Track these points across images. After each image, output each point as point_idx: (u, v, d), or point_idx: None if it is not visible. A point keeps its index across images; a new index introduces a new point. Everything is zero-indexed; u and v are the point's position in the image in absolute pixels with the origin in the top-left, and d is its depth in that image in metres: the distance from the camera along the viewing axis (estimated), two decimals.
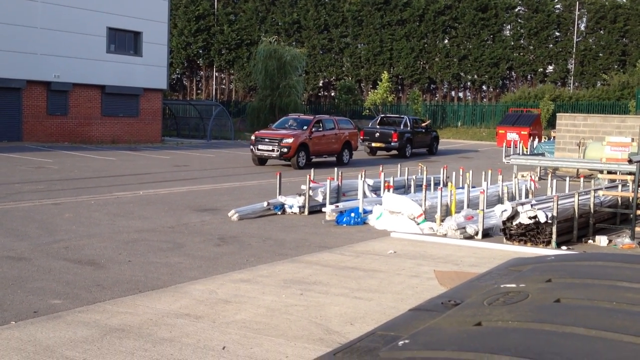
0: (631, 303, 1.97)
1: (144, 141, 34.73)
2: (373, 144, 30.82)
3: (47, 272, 8.23)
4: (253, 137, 24.36)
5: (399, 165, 18.30)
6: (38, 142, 29.90)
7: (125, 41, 34.38)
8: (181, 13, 59.62)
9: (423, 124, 34.00)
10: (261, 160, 24.33)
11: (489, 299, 2.09)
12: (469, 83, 61.17)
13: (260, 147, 23.76)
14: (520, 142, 30.29)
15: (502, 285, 2.26)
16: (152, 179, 18.85)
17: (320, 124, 25.57)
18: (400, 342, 1.76)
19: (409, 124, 31.76)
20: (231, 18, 61.80)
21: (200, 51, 62.26)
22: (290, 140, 23.44)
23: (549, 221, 10.72)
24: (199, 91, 65.16)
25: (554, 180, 15.13)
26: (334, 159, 25.97)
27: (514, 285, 2.24)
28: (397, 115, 35.74)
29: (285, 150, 23.30)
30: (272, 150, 23.47)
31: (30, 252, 9.32)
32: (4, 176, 18.13)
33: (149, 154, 28.19)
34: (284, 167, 23.06)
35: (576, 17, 56.98)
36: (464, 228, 11.62)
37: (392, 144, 30.26)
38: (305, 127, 24.76)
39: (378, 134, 30.67)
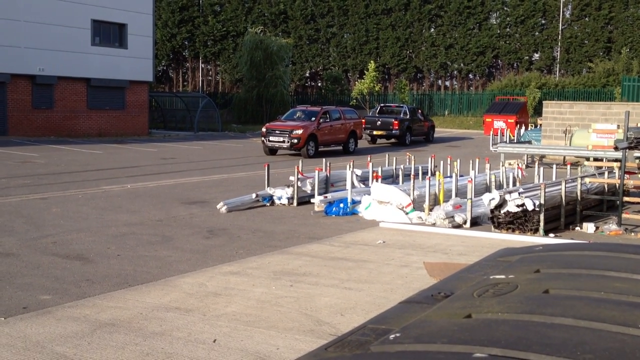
0: (619, 293, 1.99)
1: (131, 134, 34.56)
2: (374, 132, 31.83)
3: (36, 268, 8.20)
4: (264, 129, 25.40)
5: (387, 155, 18.33)
6: (24, 136, 29.68)
7: (110, 33, 34.13)
8: (165, 4, 59.23)
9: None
10: (272, 151, 25.32)
11: (479, 291, 2.11)
12: (455, 72, 61.22)
13: (271, 138, 24.85)
14: (507, 130, 30.39)
15: (491, 277, 2.27)
16: (140, 172, 18.78)
17: (327, 115, 26.71)
18: (392, 336, 1.77)
19: (408, 113, 32.62)
20: (216, 9, 61.47)
21: (186, 43, 61.93)
22: (300, 132, 24.50)
23: (537, 209, 10.78)
24: (185, 83, 64.84)
25: (541, 168, 15.21)
26: (340, 147, 27.20)
27: (502, 277, 2.25)
28: (397, 105, 36.57)
29: (296, 141, 24.37)
30: (283, 142, 24.57)
31: (18, 248, 9.27)
32: None
33: (136, 146, 28.06)
34: (294, 157, 23.55)
35: (561, 5, 57.10)
36: (453, 217, 11.66)
37: (393, 131, 31.45)
38: (313, 118, 25.84)
39: (379, 122, 31.76)
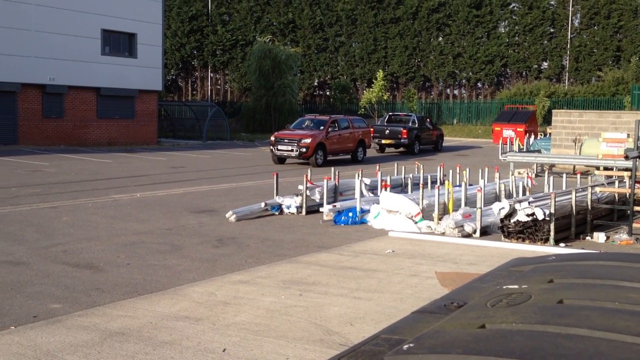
0: (634, 303, 1.98)
1: (140, 143, 34.68)
2: (383, 141, 31.89)
3: (46, 277, 8.22)
4: (273, 138, 25.49)
5: (395, 164, 18.31)
6: (34, 145, 29.84)
7: (119, 43, 34.32)
8: (174, 14, 59.55)
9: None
10: (281, 160, 25.38)
11: (492, 301, 2.10)
12: (464, 80, 61.19)
13: (279, 147, 24.92)
14: (516, 139, 30.32)
15: (504, 287, 2.26)
16: (149, 181, 18.83)
17: (336, 124, 26.77)
18: (405, 346, 1.76)
19: (416, 122, 32.52)
20: (225, 18, 61.72)
21: (195, 52, 62.20)
22: (308, 141, 24.57)
23: (547, 218, 10.74)
24: (194, 92, 65.07)
25: (551, 177, 15.15)
26: (349, 156, 27.20)
27: (516, 287, 2.24)
28: (405, 114, 36.54)
29: (304, 150, 24.42)
30: (292, 150, 24.63)
31: (29, 257, 9.30)
32: (1, 180, 18.09)
33: (145, 155, 28.15)
34: (302, 166, 23.60)
35: (570, 13, 57.04)
36: (462, 226, 11.62)
37: (401, 140, 31.50)
38: (321, 127, 25.92)
39: (388, 131, 31.82)
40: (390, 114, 36.29)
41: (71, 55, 31.46)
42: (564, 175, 15.64)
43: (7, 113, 29.88)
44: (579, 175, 15.71)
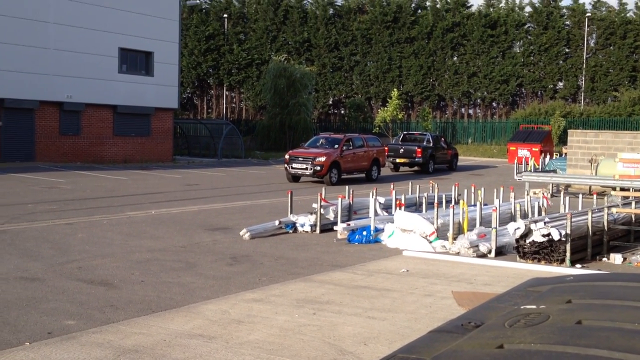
0: None
1: (156, 160, 34.87)
2: (397, 160, 31.81)
3: (61, 293, 8.25)
4: (287, 156, 25.54)
5: (410, 183, 18.27)
6: (51, 162, 30.08)
7: (136, 61, 34.66)
8: (192, 33, 60.11)
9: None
10: (295, 178, 25.41)
11: (510, 321, 2.08)
12: (478, 100, 61.12)
13: (294, 165, 24.98)
14: (531, 159, 30.18)
15: (522, 307, 2.24)
16: (164, 198, 18.90)
17: (350, 143, 26.79)
18: None
19: (431, 141, 32.46)
20: (241, 37, 62.20)
21: (211, 70, 62.65)
22: (323, 159, 24.63)
23: (563, 239, 10.65)
24: (209, 110, 65.44)
25: (567, 198, 15.05)
26: (363, 175, 27.13)
27: (534, 307, 2.22)
28: (420, 133, 36.45)
29: (319, 168, 24.46)
30: (306, 169, 24.68)
31: (44, 273, 9.34)
32: (18, 196, 18.23)
33: (161, 173, 28.29)
34: (316, 184, 23.59)
35: (586, 34, 56.95)
36: (477, 246, 11.55)
37: (416, 159, 31.42)
38: (336, 146, 25.97)
39: (402, 149, 31.78)
40: (405, 132, 36.27)
41: (89, 73, 31.79)
42: (580, 196, 15.52)
43: (25, 130, 30.18)
44: (595, 196, 15.59)
